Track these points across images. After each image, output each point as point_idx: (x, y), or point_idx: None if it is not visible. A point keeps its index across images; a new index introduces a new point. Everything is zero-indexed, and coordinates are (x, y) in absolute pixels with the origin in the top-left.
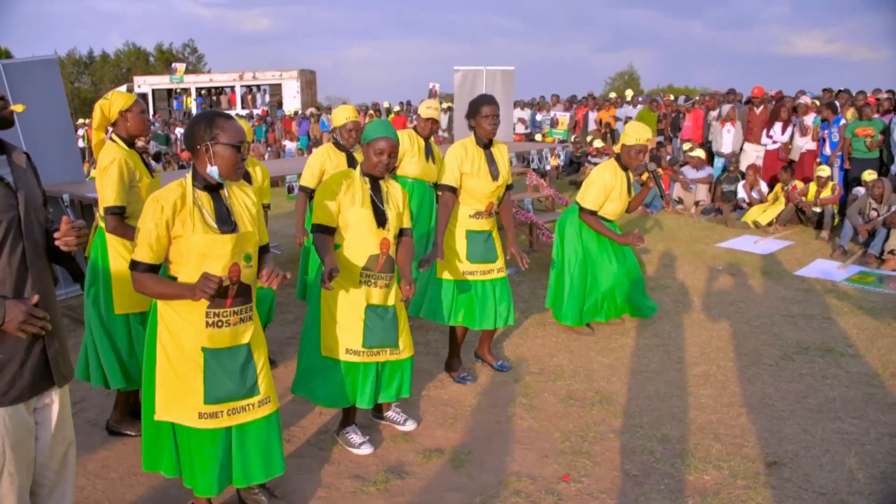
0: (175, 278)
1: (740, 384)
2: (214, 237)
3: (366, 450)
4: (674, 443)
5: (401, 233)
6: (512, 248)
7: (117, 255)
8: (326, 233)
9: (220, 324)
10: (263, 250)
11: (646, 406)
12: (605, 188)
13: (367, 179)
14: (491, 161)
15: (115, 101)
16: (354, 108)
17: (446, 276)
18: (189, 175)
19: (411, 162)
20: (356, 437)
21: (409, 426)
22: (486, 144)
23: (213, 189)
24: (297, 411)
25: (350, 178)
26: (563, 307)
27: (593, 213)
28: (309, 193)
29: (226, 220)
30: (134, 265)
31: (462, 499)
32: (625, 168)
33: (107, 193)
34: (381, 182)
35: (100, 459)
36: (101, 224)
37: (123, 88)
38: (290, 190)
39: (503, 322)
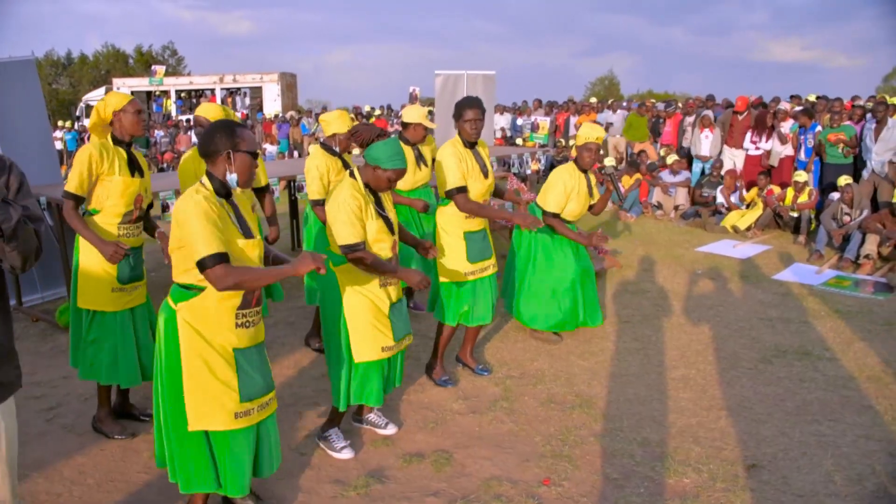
0: (203, 288)
1: (720, 387)
2: (248, 242)
3: (347, 454)
4: (654, 446)
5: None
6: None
7: (87, 250)
8: (364, 247)
9: (247, 324)
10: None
11: (626, 409)
12: (565, 190)
13: (369, 192)
14: (479, 159)
15: (109, 102)
16: (347, 114)
17: (448, 278)
18: (201, 185)
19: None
20: (339, 442)
21: (391, 430)
22: (472, 144)
23: (225, 196)
24: (279, 416)
25: (359, 191)
26: (521, 306)
27: (556, 215)
28: (323, 204)
29: (245, 227)
30: (216, 259)
31: (442, 503)
32: (584, 170)
33: (70, 179)
34: (380, 194)
35: (76, 466)
36: None
37: (102, 90)
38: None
39: (490, 318)
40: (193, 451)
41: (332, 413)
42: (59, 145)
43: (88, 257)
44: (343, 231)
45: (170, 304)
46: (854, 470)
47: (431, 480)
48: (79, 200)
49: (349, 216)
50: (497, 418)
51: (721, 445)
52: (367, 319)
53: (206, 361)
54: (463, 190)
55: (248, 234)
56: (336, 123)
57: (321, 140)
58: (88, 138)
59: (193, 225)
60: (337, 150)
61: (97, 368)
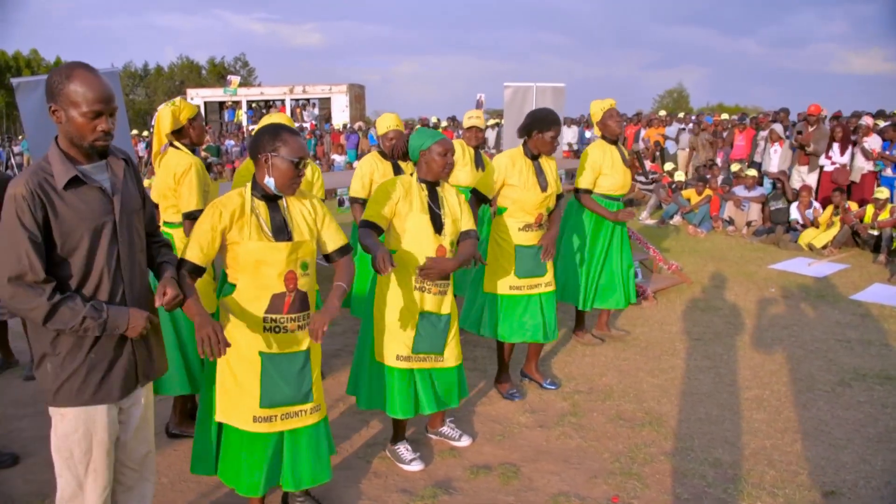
0: (234, 286)
1: (795, 410)
2: (269, 245)
3: (416, 466)
4: (726, 468)
5: (466, 235)
6: (544, 241)
7: None
8: (372, 228)
9: (277, 329)
10: (343, 251)
11: (697, 429)
12: (592, 166)
13: (423, 186)
14: (539, 172)
15: (184, 108)
16: (397, 116)
17: (494, 290)
18: (249, 184)
19: (463, 171)
20: (407, 454)
21: (465, 442)
22: (535, 156)
23: (271, 199)
24: (346, 423)
25: (407, 183)
26: (567, 288)
27: (587, 191)
28: (362, 203)
29: (281, 229)
30: (180, 263)
31: None
32: (614, 142)
33: (190, 199)
34: (438, 189)
35: None
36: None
37: (177, 100)
38: (341, 203)
39: (547, 337)
40: (204, 435)
41: (393, 422)
42: (141, 152)
43: None
44: (355, 184)
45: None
46: None
47: (499, 493)
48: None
49: (366, 177)
50: (565, 433)
51: (797, 470)
52: (391, 321)
53: (232, 359)
54: (484, 199)
55: (281, 237)
56: (380, 125)
57: (379, 146)
58: (150, 144)
59: (197, 223)
60: (390, 155)
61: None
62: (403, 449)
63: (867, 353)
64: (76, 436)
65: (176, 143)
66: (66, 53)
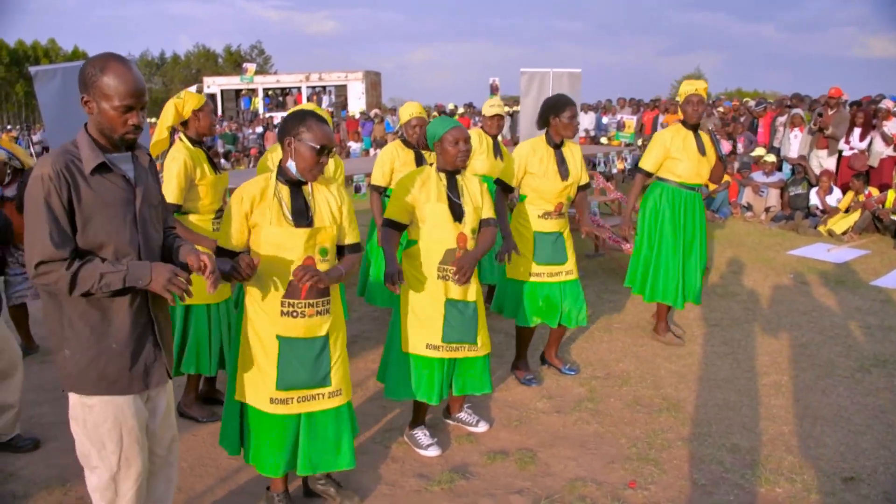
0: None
1: (814, 395)
2: (288, 229)
3: (433, 451)
4: (744, 453)
5: (485, 223)
6: (585, 228)
7: None
8: (395, 228)
9: (294, 314)
10: (353, 249)
11: (715, 415)
12: (662, 146)
13: (442, 175)
14: (561, 161)
15: (188, 101)
16: (420, 105)
17: (516, 276)
18: (276, 169)
19: (479, 159)
20: (425, 439)
21: (482, 427)
22: (558, 144)
23: (296, 184)
24: (363, 409)
25: (426, 174)
26: (642, 282)
27: (644, 173)
28: (381, 191)
29: (302, 214)
30: (218, 251)
31: (526, 502)
32: (693, 128)
33: (171, 191)
34: (458, 177)
35: None
36: None
37: (193, 89)
38: (358, 189)
39: (572, 322)
40: (229, 413)
41: (414, 407)
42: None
43: None
44: (375, 172)
45: None
46: None
47: (515, 478)
48: (178, 209)
49: (386, 166)
50: (582, 419)
51: (816, 455)
52: (418, 309)
53: (252, 341)
54: (507, 188)
55: (302, 222)
56: (403, 113)
57: (402, 135)
58: (153, 132)
59: (226, 211)
60: (413, 143)
61: (186, 359)
62: (421, 434)
63: (887, 339)
64: (106, 426)
65: (181, 136)
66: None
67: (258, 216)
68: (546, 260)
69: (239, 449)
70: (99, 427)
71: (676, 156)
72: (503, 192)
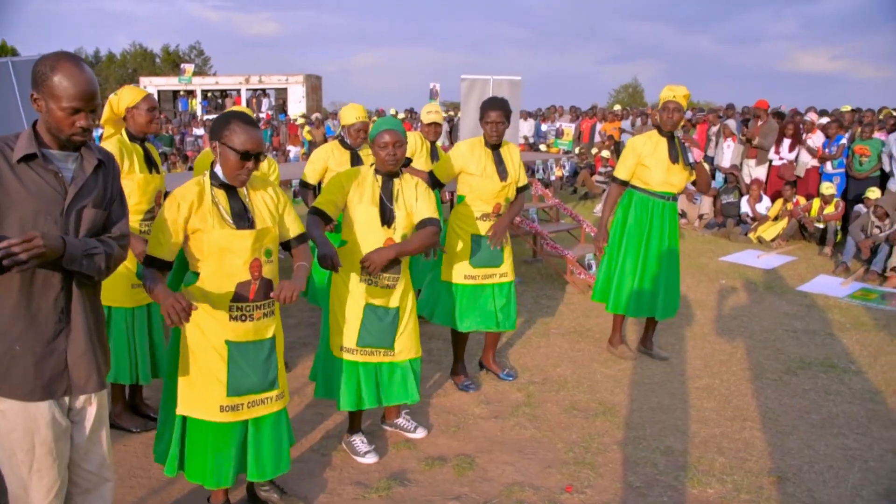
0: (198, 274)
1: (744, 398)
2: (233, 232)
3: (371, 458)
4: (677, 455)
5: (423, 224)
6: (493, 228)
7: None
8: (321, 217)
9: (243, 317)
10: (300, 240)
11: (649, 418)
12: (634, 153)
13: (379, 178)
14: (499, 161)
15: (123, 97)
16: (363, 107)
17: (450, 278)
18: (208, 172)
19: (418, 163)
20: (362, 446)
21: (420, 433)
22: (495, 145)
23: (230, 187)
24: (301, 416)
25: (363, 174)
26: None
27: (619, 182)
28: (311, 189)
29: (242, 216)
30: (148, 260)
31: None
32: (668, 135)
33: None
34: (396, 180)
35: None
36: None
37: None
38: (296, 195)
39: (499, 326)
40: (170, 430)
41: (349, 413)
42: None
43: None
44: (307, 169)
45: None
46: (881, 485)
47: (453, 484)
48: None
49: (318, 164)
50: (519, 424)
51: (745, 456)
52: (339, 312)
53: (198, 349)
54: (437, 182)
55: (243, 224)
56: (345, 116)
57: (341, 134)
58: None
59: (157, 217)
60: (350, 143)
61: (113, 366)
62: (358, 441)
63: (812, 343)
64: (16, 434)
65: (121, 134)
66: (12, 38)
67: (198, 222)
68: (482, 262)
69: (178, 466)
70: (10, 434)
71: (646, 163)
72: (432, 185)
